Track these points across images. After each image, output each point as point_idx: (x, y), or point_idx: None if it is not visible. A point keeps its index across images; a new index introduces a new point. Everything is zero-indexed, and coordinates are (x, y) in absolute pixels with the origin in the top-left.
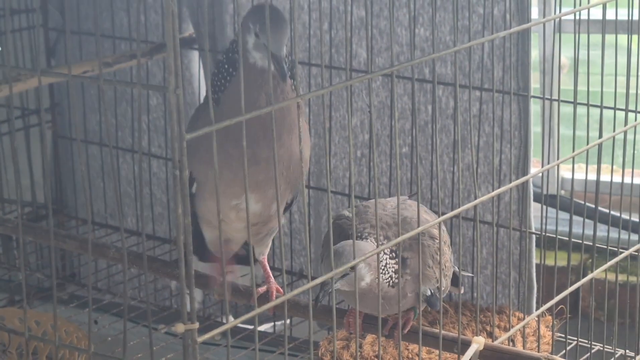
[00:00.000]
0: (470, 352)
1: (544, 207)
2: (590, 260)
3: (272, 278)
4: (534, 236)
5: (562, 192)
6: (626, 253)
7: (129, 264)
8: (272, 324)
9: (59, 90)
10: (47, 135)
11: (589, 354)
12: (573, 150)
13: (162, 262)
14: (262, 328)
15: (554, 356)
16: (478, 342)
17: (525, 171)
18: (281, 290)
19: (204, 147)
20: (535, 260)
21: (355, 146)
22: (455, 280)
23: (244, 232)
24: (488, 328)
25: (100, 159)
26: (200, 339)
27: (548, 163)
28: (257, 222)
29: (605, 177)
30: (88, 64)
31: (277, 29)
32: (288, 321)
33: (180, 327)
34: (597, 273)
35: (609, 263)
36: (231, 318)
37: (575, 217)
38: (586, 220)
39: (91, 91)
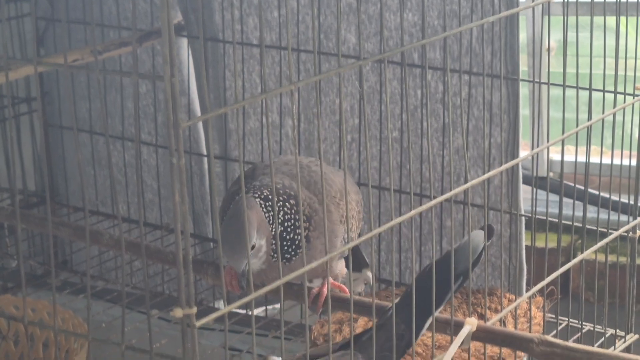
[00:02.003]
0: (463, 333)
1: (534, 189)
2: (579, 242)
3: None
4: (523, 218)
5: (551, 175)
6: (616, 234)
7: (125, 250)
8: (263, 308)
9: (48, 78)
10: (37, 124)
11: (579, 333)
12: (563, 133)
13: (157, 248)
14: (256, 311)
15: (547, 336)
16: (471, 324)
17: (514, 154)
18: (345, 289)
19: None
20: (525, 242)
21: (345, 131)
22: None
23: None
24: (479, 310)
25: (91, 147)
26: (198, 324)
27: (537, 146)
28: None
29: (594, 159)
30: (78, 53)
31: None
32: (279, 305)
33: (178, 312)
34: (588, 254)
35: (599, 244)
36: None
37: (565, 200)
38: (576, 202)
39: (80, 79)
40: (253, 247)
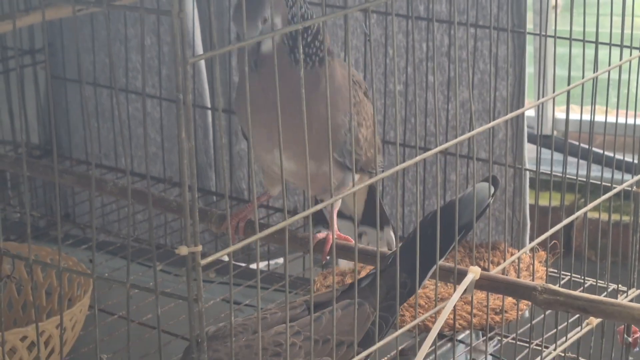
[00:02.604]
0: (466, 281)
1: (539, 146)
2: (582, 200)
3: (336, 229)
4: (527, 173)
5: (555, 133)
6: (619, 188)
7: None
8: (266, 262)
9: (51, 30)
10: (41, 76)
11: (582, 288)
12: (568, 84)
13: (161, 196)
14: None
15: (550, 285)
16: (474, 272)
17: (519, 108)
18: (349, 237)
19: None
20: (529, 200)
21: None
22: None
23: (294, 180)
24: (482, 263)
25: (95, 99)
26: (203, 262)
27: (540, 97)
28: (297, 179)
29: (599, 117)
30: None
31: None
32: (282, 259)
33: (183, 250)
34: (591, 207)
35: (603, 197)
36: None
37: (569, 159)
38: (580, 161)
39: (84, 31)
40: (265, 20)
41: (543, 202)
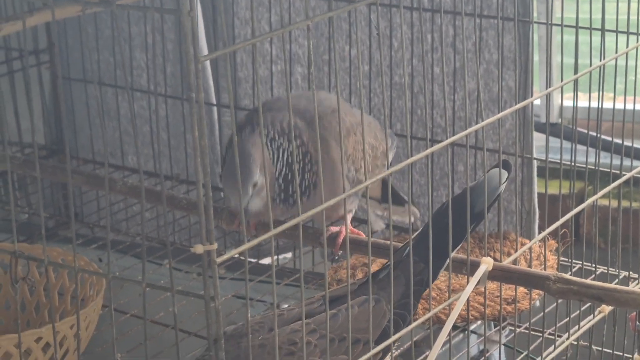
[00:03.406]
0: (479, 272)
1: (547, 135)
2: (590, 188)
3: (349, 225)
4: (535, 162)
5: (561, 121)
6: (628, 175)
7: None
8: (275, 257)
9: (55, 30)
10: (45, 77)
11: (593, 275)
12: (575, 73)
13: (171, 195)
14: (266, 261)
15: (563, 274)
16: (487, 263)
17: (526, 98)
18: (361, 233)
19: None
20: (537, 189)
21: (355, 77)
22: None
23: None
24: (492, 254)
25: (100, 98)
26: (219, 260)
27: (548, 87)
28: None
29: (606, 104)
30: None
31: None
32: (290, 254)
33: (199, 248)
34: (600, 195)
35: (612, 184)
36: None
37: (578, 147)
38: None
39: (88, 30)
40: (255, 185)
41: (552, 190)
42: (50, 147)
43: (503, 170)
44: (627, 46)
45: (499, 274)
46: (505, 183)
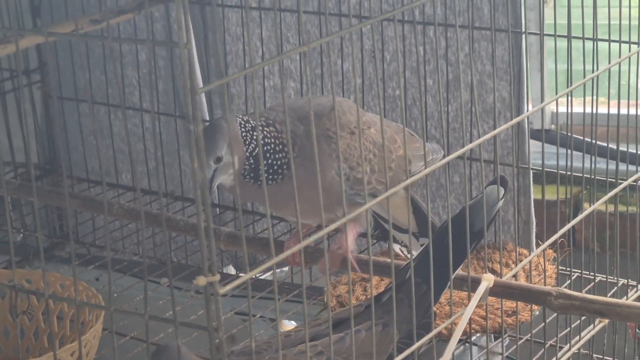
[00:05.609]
0: (480, 289)
1: (543, 143)
2: (584, 193)
3: (346, 245)
4: (531, 172)
5: (553, 127)
6: (625, 183)
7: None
8: (271, 271)
9: (45, 50)
10: (37, 96)
11: (592, 284)
12: (568, 84)
13: (168, 217)
14: (265, 276)
15: (565, 289)
16: (488, 280)
17: (520, 108)
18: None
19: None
20: (533, 196)
21: (348, 91)
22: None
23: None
24: (490, 265)
25: (93, 117)
26: (222, 291)
27: (543, 99)
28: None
29: (601, 110)
30: (76, 22)
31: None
32: (287, 267)
33: (201, 280)
34: (599, 204)
35: (610, 193)
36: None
37: (574, 153)
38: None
39: (79, 49)
40: (220, 159)
41: (547, 195)
42: (43, 166)
43: (500, 187)
44: (620, 50)
45: (500, 290)
46: (503, 200)
